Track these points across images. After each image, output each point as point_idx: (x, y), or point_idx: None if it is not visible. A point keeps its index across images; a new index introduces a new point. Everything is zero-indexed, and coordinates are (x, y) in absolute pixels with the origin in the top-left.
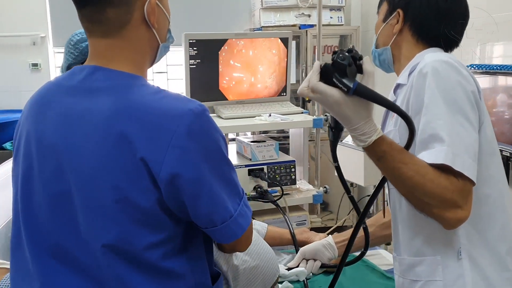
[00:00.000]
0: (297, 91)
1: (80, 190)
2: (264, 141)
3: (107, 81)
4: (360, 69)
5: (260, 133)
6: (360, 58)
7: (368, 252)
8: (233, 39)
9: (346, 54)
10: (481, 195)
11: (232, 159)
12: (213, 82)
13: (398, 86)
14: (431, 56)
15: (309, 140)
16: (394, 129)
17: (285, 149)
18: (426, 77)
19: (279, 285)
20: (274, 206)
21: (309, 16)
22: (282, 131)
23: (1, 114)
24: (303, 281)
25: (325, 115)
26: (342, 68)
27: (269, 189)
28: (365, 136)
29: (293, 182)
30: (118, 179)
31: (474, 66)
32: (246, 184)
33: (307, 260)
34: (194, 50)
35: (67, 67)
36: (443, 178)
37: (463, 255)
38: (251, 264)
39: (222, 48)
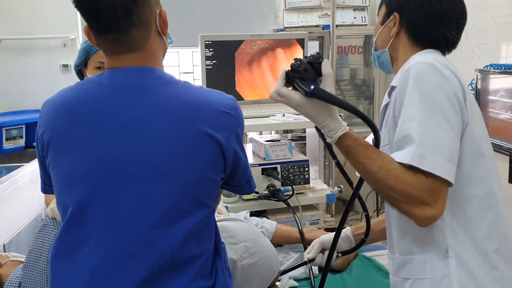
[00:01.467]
0: (269, 95)
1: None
2: (278, 141)
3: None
4: (321, 72)
5: (282, 133)
6: (321, 61)
7: (376, 252)
8: (249, 40)
9: (303, 60)
10: (467, 194)
11: (248, 159)
12: (229, 82)
13: (392, 88)
14: (417, 58)
15: None
16: (384, 130)
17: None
18: (408, 79)
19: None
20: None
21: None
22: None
23: (33, 113)
24: (310, 280)
25: (340, 115)
26: (299, 73)
27: (282, 188)
28: (331, 133)
29: (307, 181)
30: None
31: (494, 66)
32: (260, 183)
33: (325, 250)
34: (210, 51)
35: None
36: (408, 175)
37: (450, 254)
38: (250, 261)
39: (238, 49)
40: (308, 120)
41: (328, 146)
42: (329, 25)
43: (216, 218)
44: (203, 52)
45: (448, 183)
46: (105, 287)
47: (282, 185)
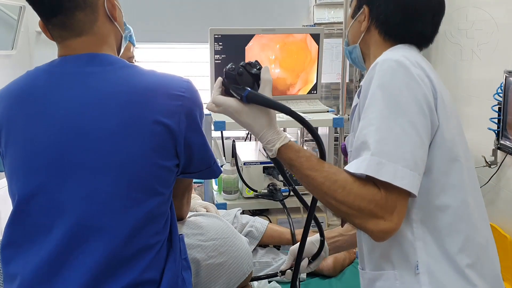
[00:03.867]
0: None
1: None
2: None
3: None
4: (259, 78)
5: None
6: (259, 67)
7: None
8: (260, 34)
9: (237, 65)
10: (439, 205)
11: (251, 156)
12: None
13: (361, 88)
14: (385, 55)
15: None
16: (351, 135)
17: None
18: (373, 77)
19: (269, 284)
20: (290, 206)
21: None
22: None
23: None
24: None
25: (348, 115)
26: (232, 78)
27: (283, 188)
28: (270, 145)
29: None
30: None
31: None
32: (261, 181)
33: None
34: (220, 45)
35: None
36: (357, 186)
37: (421, 270)
38: (218, 261)
39: (249, 43)
40: (314, 119)
41: (280, 170)
42: None
43: (191, 213)
44: (212, 46)
45: (408, 194)
46: (55, 278)
47: (286, 185)
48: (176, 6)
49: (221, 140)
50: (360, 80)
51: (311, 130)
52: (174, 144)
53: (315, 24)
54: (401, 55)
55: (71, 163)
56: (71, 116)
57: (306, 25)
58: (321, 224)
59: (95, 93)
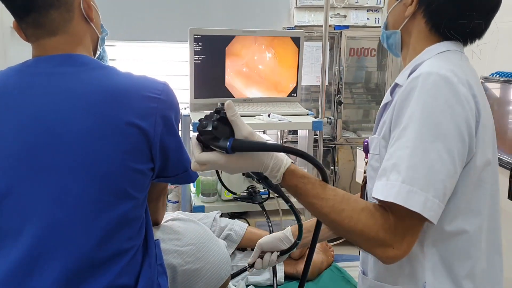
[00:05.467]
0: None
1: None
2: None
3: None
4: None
5: (288, 133)
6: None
7: (349, 263)
8: (241, 36)
9: (208, 118)
10: (455, 229)
11: None
12: (218, 78)
13: (396, 85)
14: (430, 65)
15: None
16: (377, 137)
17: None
18: (414, 91)
19: None
20: (270, 208)
21: (345, 16)
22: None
23: None
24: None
25: (329, 118)
26: (209, 134)
27: (262, 191)
28: (274, 171)
29: None
30: None
31: (500, 74)
32: (240, 183)
33: (265, 253)
34: (199, 45)
35: None
36: (364, 215)
37: None
38: (194, 266)
39: (229, 44)
40: (294, 122)
41: (277, 193)
42: (340, 25)
43: (169, 217)
44: (192, 46)
45: (424, 222)
46: (24, 283)
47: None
48: (158, 5)
49: None
50: (339, 83)
51: (311, 160)
52: (148, 147)
53: (295, 26)
54: (449, 68)
55: (41, 165)
56: (42, 117)
57: (287, 28)
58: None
59: (67, 94)
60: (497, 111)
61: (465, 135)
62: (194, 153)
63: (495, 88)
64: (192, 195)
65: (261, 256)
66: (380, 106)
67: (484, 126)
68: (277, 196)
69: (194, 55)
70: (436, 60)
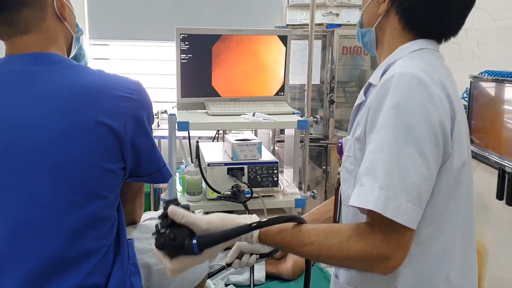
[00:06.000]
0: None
1: None
2: (248, 140)
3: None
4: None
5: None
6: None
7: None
8: (228, 35)
9: (160, 230)
10: (434, 233)
11: (216, 157)
12: (205, 78)
13: (369, 85)
14: (403, 65)
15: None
16: (351, 139)
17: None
18: (388, 92)
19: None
20: (255, 208)
21: (337, 15)
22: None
23: None
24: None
25: (315, 117)
26: (170, 246)
27: (247, 190)
28: (248, 240)
29: (275, 184)
30: None
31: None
32: (224, 182)
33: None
34: (186, 44)
35: None
36: (353, 242)
37: None
38: None
39: (216, 43)
40: (279, 121)
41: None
42: (333, 24)
43: (148, 216)
44: (178, 45)
45: (409, 229)
46: None
47: (250, 187)
48: (151, 4)
49: (188, 140)
50: (331, 82)
51: (281, 220)
52: (119, 147)
53: (287, 25)
54: (422, 68)
55: (11, 164)
56: (12, 116)
57: (279, 26)
58: None
59: (38, 93)
60: (489, 110)
61: (440, 137)
62: (165, 264)
63: (489, 88)
64: (178, 194)
65: (239, 257)
66: (354, 107)
67: (459, 126)
68: (262, 196)
69: (181, 54)
70: (409, 60)
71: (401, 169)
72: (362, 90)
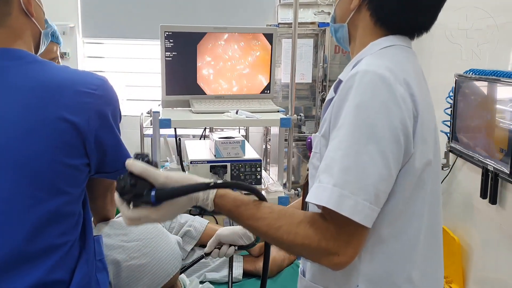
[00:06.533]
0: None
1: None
2: (232, 138)
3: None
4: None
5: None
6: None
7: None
8: (213, 33)
9: (124, 176)
10: (395, 233)
11: (199, 155)
12: (190, 75)
13: (340, 81)
14: (368, 63)
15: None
16: (318, 135)
17: None
18: (351, 90)
19: (201, 285)
20: None
21: (329, 13)
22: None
23: None
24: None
25: (299, 115)
26: (130, 193)
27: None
28: (204, 200)
29: (259, 182)
30: None
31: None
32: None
33: (223, 245)
34: (171, 42)
35: None
36: (302, 227)
37: None
38: (139, 262)
39: (201, 41)
40: (262, 118)
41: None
42: (324, 23)
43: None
44: (163, 43)
45: (364, 228)
46: None
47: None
48: (144, 3)
49: (174, 139)
50: (323, 81)
51: (240, 187)
52: (82, 142)
53: (278, 23)
54: (386, 66)
55: None
56: None
57: (271, 25)
58: None
59: (1, 89)
60: (473, 109)
61: (401, 137)
62: (123, 211)
63: (473, 86)
64: None
65: (218, 247)
66: (324, 103)
67: (423, 125)
68: (244, 194)
69: (165, 52)
70: (375, 58)
71: (359, 167)
72: (333, 86)
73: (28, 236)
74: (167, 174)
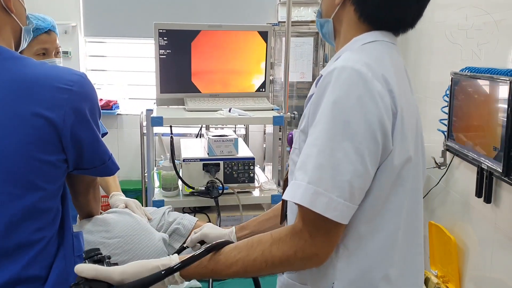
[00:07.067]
0: None
1: None
2: (226, 136)
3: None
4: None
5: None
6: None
7: None
8: (208, 30)
9: (78, 284)
10: (370, 229)
11: (194, 153)
12: (184, 73)
13: (321, 77)
14: (346, 59)
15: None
16: (298, 131)
17: None
18: (328, 86)
19: (186, 283)
20: (231, 203)
21: None
22: None
23: None
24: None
25: (293, 113)
26: None
27: (225, 186)
28: (171, 279)
29: (252, 180)
30: None
31: (470, 69)
32: (200, 178)
33: (204, 244)
34: (165, 40)
35: None
36: (276, 248)
37: None
38: (120, 259)
39: (195, 39)
40: (254, 117)
41: None
42: None
43: (111, 210)
44: (157, 41)
45: (339, 224)
46: None
47: (225, 182)
48: (147, 2)
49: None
50: None
51: (196, 259)
52: (58, 138)
53: (279, 22)
54: (364, 62)
55: None
56: None
57: (272, 23)
58: None
59: None
60: (468, 107)
61: (378, 134)
62: None
63: (469, 84)
64: (156, 189)
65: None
66: (306, 98)
67: (403, 122)
68: (237, 192)
69: (159, 49)
70: (353, 53)
71: (334, 164)
72: (315, 81)
73: (3, 231)
74: (122, 270)
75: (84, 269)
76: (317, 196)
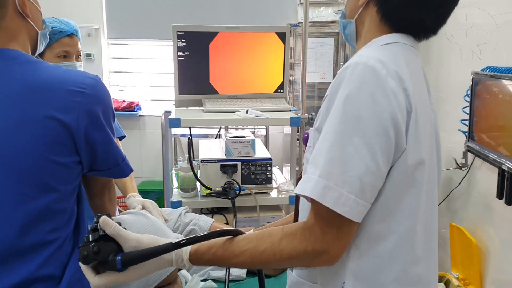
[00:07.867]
0: None
1: None
2: (243, 137)
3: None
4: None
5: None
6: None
7: None
8: (225, 32)
9: (86, 244)
10: (382, 230)
11: (212, 154)
12: (203, 75)
13: (332, 84)
14: (361, 55)
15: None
16: (313, 130)
17: None
18: (342, 82)
19: (202, 283)
20: (249, 204)
21: None
22: None
23: None
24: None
25: (311, 114)
26: (94, 260)
27: (241, 187)
28: (179, 262)
29: (269, 181)
30: None
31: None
32: (218, 179)
33: None
34: (183, 42)
35: None
36: (285, 243)
37: None
38: None
39: (213, 40)
40: (271, 118)
41: None
42: None
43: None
44: (175, 43)
45: (351, 221)
46: None
47: (243, 183)
48: (171, 4)
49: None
50: None
51: (210, 237)
52: (72, 141)
53: (299, 23)
54: (378, 59)
55: None
56: None
57: (291, 24)
58: None
59: None
60: (489, 107)
61: (391, 131)
62: (88, 279)
63: (490, 84)
64: (174, 190)
65: None
66: (324, 97)
67: (418, 122)
68: (254, 192)
69: (178, 51)
70: (369, 51)
71: (344, 159)
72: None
73: (18, 232)
74: (138, 237)
75: (109, 224)
76: (327, 190)
